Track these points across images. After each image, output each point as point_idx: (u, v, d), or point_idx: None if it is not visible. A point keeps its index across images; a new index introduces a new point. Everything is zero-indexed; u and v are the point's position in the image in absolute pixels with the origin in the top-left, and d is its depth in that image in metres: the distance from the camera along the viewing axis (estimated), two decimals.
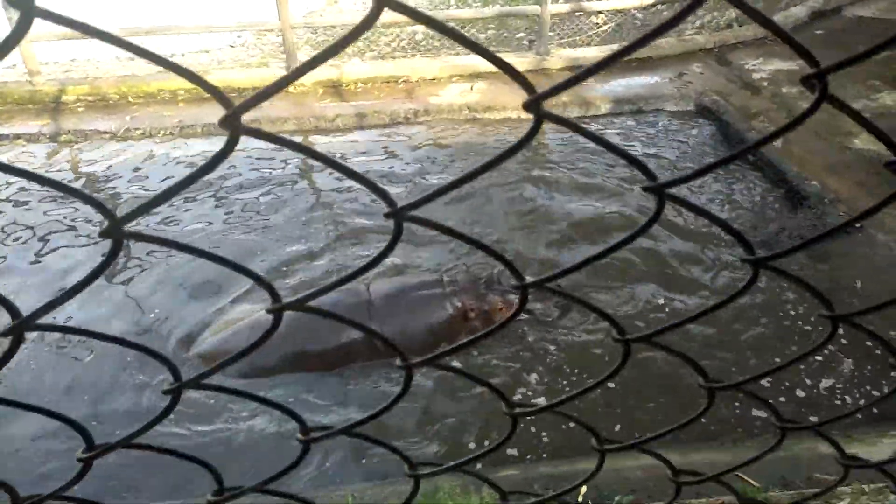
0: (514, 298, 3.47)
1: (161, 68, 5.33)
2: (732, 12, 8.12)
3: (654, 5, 7.98)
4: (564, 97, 6.66)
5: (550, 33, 7.67)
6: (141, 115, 6.62)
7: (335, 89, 7.11)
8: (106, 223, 0.63)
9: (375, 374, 3.46)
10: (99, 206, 0.64)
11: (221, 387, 0.83)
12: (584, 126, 0.64)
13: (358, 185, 5.22)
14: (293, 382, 3.40)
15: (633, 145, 6.03)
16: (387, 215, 0.61)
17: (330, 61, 4.97)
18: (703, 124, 6.33)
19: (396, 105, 6.68)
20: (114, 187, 5.54)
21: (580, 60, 7.33)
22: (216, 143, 6.25)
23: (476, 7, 10.37)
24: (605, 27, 8.39)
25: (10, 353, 0.69)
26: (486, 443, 3.09)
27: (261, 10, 8.18)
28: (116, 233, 0.63)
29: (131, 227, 0.64)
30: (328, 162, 0.63)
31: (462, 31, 8.02)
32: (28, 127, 6.39)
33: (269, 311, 0.68)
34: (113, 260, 0.65)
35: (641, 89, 6.82)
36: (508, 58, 7.41)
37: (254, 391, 0.94)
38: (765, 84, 6.68)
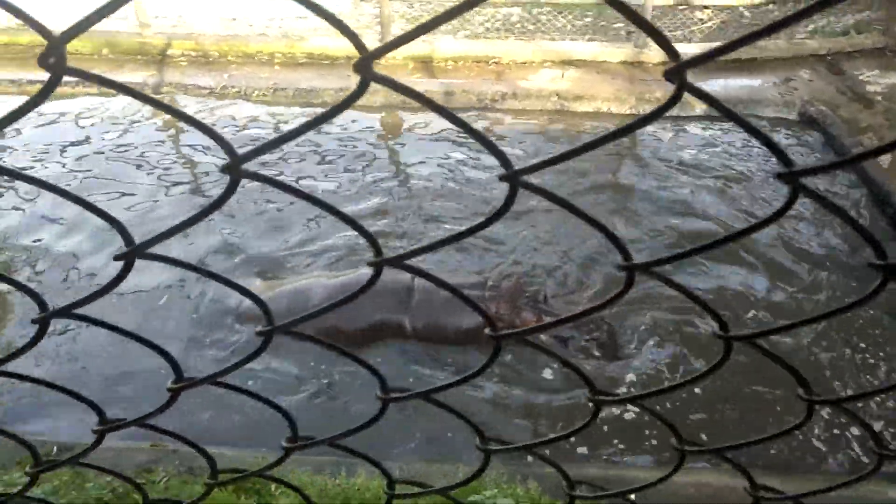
0: (550, 319, 3.46)
1: (261, 29, 5.47)
2: (851, 18, 7.62)
3: (764, 3, 7.59)
4: (658, 93, 6.45)
5: None
6: (238, 74, 6.85)
7: (425, 65, 7.13)
8: (228, 160, 0.64)
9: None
10: (221, 140, 0.66)
11: (315, 337, 0.85)
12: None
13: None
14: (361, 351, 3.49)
15: (716, 149, 5.78)
16: (502, 178, 0.60)
17: (423, 37, 5.04)
18: (805, 135, 5.99)
19: (485, 86, 6.64)
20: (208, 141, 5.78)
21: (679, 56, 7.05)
22: (306, 109, 6.40)
23: None
24: (709, 23, 8.03)
25: (119, 278, 0.72)
26: (557, 428, 3.07)
27: None
28: (235, 171, 0.65)
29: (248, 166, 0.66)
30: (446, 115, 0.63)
31: (558, 17, 7.88)
32: (134, 76, 6.72)
33: (370, 265, 0.69)
34: (229, 197, 0.67)
35: (741, 91, 6.52)
36: (604, 48, 7.25)
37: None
38: (879, 98, 6.25)
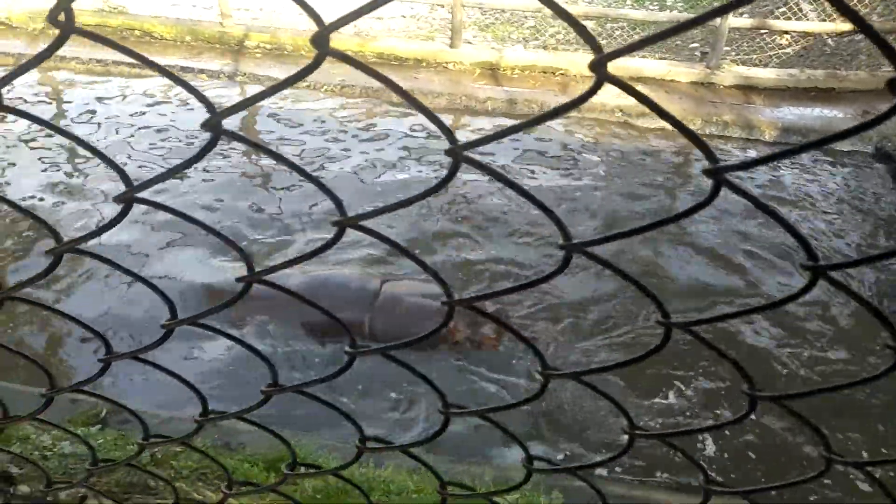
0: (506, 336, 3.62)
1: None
2: None
3: (851, 32, 7.30)
4: (727, 116, 6.29)
5: (726, 48, 7.24)
6: None
7: (492, 72, 7.17)
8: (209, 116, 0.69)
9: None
10: (203, 98, 0.68)
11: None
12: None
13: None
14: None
15: (781, 176, 5.59)
16: (447, 152, 0.62)
17: (492, 43, 5.02)
18: (879, 171, 5.74)
19: (549, 97, 6.63)
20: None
21: (752, 80, 6.87)
22: (371, 103, 6.54)
23: (651, 10, 9.99)
24: (788, 49, 7.79)
25: (117, 220, 0.74)
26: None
27: None
28: (215, 129, 0.70)
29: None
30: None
31: (632, 33, 7.78)
32: (212, 64, 7.01)
33: (334, 223, 0.72)
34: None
35: (816, 121, 6.30)
36: (675, 66, 7.12)
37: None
38: None
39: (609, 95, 6.66)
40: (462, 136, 6.04)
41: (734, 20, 6.97)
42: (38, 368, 0.78)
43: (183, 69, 6.91)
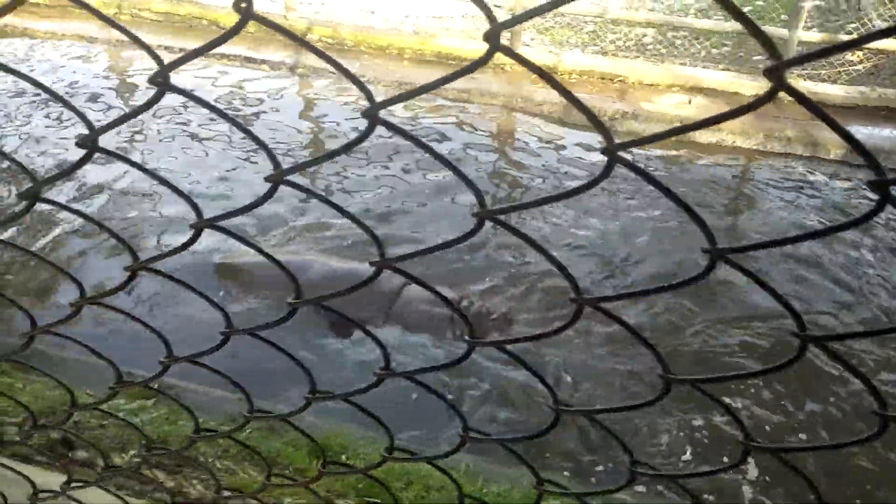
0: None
1: (395, 24, 5.68)
2: None
3: None
4: (790, 132, 6.11)
5: None
6: (368, 64, 7.13)
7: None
8: (367, 105, 0.69)
9: None
10: (360, 84, 0.69)
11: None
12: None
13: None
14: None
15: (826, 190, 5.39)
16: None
17: (549, 47, 4.96)
18: None
19: (606, 104, 6.55)
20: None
21: (820, 96, 6.65)
22: (430, 101, 6.57)
23: (716, 19, 9.78)
24: (859, 66, 7.52)
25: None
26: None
27: None
28: (372, 112, 0.69)
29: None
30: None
31: (694, 42, 7.63)
32: (274, 55, 7.15)
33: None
34: (367, 137, 0.70)
35: (885, 141, 6.06)
36: (738, 78, 6.94)
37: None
38: None
39: (668, 104, 6.54)
40: (519, 137, 6.02)
41: (803, 34, 6.76)
42: (158, 337, 0.80)
43: (246, 59, 7.08)
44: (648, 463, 0.87)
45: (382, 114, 0.65)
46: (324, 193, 4.88)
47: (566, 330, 0.68)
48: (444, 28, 8.69)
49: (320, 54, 0.64)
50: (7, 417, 2.52)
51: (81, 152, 0.61)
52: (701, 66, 7.14)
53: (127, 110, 5.90)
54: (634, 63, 7.24)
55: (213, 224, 0.69)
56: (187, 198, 0.68)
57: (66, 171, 0.69)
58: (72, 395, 0.91)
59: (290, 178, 0.67)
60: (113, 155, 0.63)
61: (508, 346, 0.77)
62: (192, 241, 0.69)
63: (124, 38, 0.64)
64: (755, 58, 8.16)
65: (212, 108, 0.71)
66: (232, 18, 6.98)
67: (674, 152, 5.96)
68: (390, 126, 0.65)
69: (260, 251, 0.79)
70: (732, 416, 0.72)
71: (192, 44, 7.32)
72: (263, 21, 0.64)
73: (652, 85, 6.98)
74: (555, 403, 0.80)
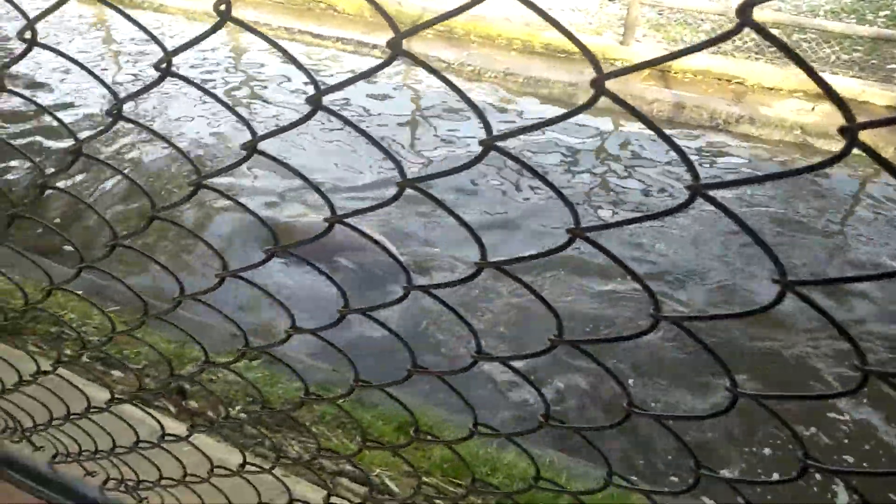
0: None
1: (506, 16, 5.65)
2: None
3: None
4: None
5: None
6: (476, 53, 7.17)
7: (661, 74, 6.90)
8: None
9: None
10: (307, 73, 0.73)
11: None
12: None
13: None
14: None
15: None
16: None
17: (665, 45, 4.81)
18: None
19: (720, 105, 6.27)
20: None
21: None
22: (527, 98, 6.54)
23: (848, 22, 9.10)
24: None
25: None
26: None
27: None
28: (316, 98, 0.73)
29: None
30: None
31: (823, 46, 7.15)
32: (383, 41, 7.31)
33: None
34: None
35: None
36: (870, 87, 6.45)
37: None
38: None
39: (788, 110, 6.19)
40: (630, 137, 5.89)
41: None
42: (284, 309, 0.88)
43: (359, 43, 7.30)
44: (713, 469, 0.87)
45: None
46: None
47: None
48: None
49: (266, 38, 0.66)
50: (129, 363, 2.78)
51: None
52: (829, 71, 6.69)
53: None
54: (754, 65, 6.89)
55: (341, 220, 0.74)
56: (322, 193, 0.75)
57: (225, 168, 0.77)
58: (206, 353, 1.01)
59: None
60: (270, 158, 0.70)
61: (586, 346, 0.78)
62: (325, 233, 0.75)
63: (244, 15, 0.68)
64: (889, 66, 7.55)
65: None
66: (348, 4, 7.19)
67: (792, 162, 5.64)
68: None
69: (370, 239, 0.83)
70: (792, 433, 0.71)
71: (311, 25, 7.62)
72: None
73: (772, 89, 6.62)
74: (629, 405, 0.81)
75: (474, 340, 0.80)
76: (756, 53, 7.47)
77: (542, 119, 0.72)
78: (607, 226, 0.64)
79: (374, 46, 7.27)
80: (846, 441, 3.18)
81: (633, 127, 5.99)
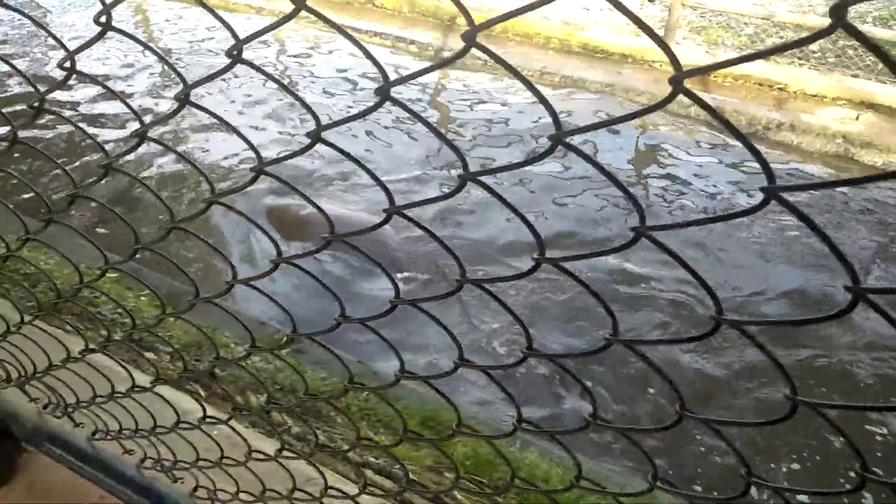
0: None
1: (545, 14, 5.58)
2: None
3: None
4: None
5: None
6: (513, 51, 7.13)
7: (701, 77, 6.80)
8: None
9: None
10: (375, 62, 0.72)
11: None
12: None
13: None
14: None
15: None
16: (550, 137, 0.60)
17: (705, 48, 4.71)
18: None
19: (760, 111, 6.16)
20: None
21: None
22: (563, 97, 6.49)
23: None
24: None
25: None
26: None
27: None
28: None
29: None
30: None
31: (869, 53, 6.98)
32: (423, 35, 7.33)
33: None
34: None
35: None
36: None
37: None
38: None
39: (833, 119, 6.05)
40: (659, 137, 5.81)
41: None
42: (334, 297, 0.89)
43: (397, 38, 7.32)
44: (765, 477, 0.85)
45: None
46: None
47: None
48: (594, 20, 8.50)
49: (340, 30, 0.65)
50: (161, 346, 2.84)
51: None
52: (875, 79, 6.52)
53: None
54: (797, 70, 6.74)
55: (400, 211, 0.73)
56: (383, 185, 0.75)
57: (288, 156, 0.77)
58: (252, 338, 1.02)
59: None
60: (333, 147, 0.70)
61: (642, 348, 0.77)
62: (383, 223, 0.75)
63: (287, 7, 0.69)
64: None
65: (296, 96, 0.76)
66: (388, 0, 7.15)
67: (834, 173, 5.52)
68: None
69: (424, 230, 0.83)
70: (850, 445, 0.69)
71: (350, 20, 7.66)
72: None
73: (816, 96, 6.47)
74: (681, 408, 0.80)
75: (524, 336, 0.79)
76: (799, 59, 7.31)
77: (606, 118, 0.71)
78: (674, 226, 0.63)
79: (412, 42, 7.28)
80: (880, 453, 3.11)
81: (664, 129, 5.92)
